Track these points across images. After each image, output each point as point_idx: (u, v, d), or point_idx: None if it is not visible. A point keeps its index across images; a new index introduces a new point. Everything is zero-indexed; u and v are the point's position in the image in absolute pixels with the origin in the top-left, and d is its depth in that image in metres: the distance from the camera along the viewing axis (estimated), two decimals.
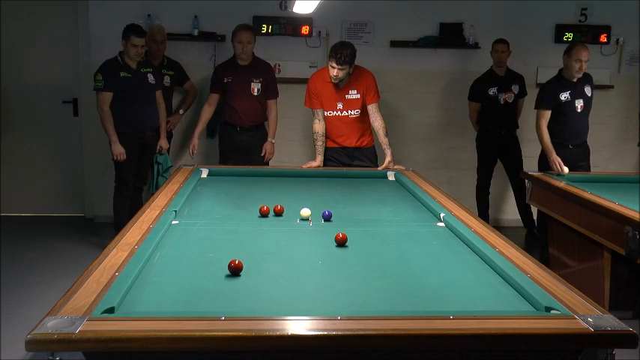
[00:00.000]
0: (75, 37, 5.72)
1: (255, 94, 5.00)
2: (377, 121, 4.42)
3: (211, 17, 5.62)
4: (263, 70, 5.07)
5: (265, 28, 5.60)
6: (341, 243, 2.54)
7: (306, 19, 5.60)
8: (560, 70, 4.79)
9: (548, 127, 4.65)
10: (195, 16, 5.58)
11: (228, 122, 5.08)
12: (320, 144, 4.48)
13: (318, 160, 4.43)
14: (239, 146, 5.05)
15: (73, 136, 5.90)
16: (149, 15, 5.52)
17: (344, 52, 4.20)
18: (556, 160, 4.49)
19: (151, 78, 4.93)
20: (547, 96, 4.71)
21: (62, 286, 2.08)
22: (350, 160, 4.54)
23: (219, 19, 5.61)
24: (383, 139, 4.39)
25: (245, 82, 4.98)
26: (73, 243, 5.25)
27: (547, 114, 4.68)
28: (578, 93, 4.72)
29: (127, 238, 2.43)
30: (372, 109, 4.42)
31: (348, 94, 4.41)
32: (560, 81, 4.74)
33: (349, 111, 4.44)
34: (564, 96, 4.68)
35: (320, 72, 4.55)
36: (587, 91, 4.77)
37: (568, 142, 4.75)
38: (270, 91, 5.08)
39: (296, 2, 4.36)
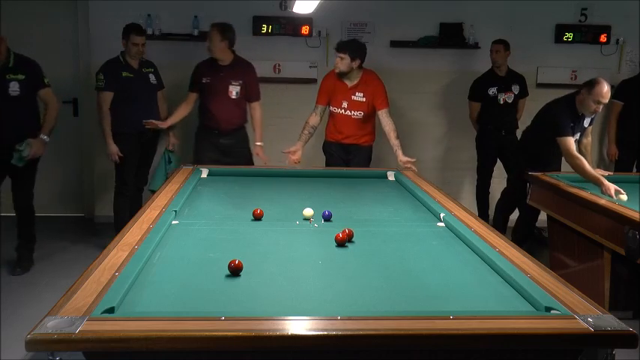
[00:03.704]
0: (75, 37, 5.72)
1: (234, 97, 4.75)
2: (387, 125, 4.49)
3: (211, 17, 5.58)
4: (243, 71, 4.82)
5: (265, 28, 5.60)
6: (341, 243, 2.54)
7: (306, 19, 5.60)
8: (573, 99, 4.40)
9: (544, 148, 4.55)
10: (195, 16, 5.58)
11: (206, 126, 4.85)
12: (306, 133, 4.63)
13: (298, 145, 4.54)
14: (219, 148, 4.83)
15: (73, 136, 5.89)
16: (149, 15, 5.52)
17: (344, 41, 4.48)
18: (611, 187, 3.88)
19: (152, 78, 4.94)
20: (568, 124, 4.32)
21: (62, 286, 2.07)
22: (346, 154, 4.66)
23: (219, 19, 5.56)
24: (394, 142, 4.46)
25: (223, 84, 4.73)
26: (73, 243, 5.25)
27: (573, 141, 4.33)
28: (579, 127, 4.48)
29: (127, 238, 2.42)
30: (382, 114, 4.52)
31: (354, 95, 4.49)
32: (572, 111, 4.39)
33: (352, 111, 4.52)
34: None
35: (333, 70, 4.66)
36: (586, 122, 4.52)
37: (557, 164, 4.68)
38: (251, 93, 4.85)
39: (296, 2, 4.36)
